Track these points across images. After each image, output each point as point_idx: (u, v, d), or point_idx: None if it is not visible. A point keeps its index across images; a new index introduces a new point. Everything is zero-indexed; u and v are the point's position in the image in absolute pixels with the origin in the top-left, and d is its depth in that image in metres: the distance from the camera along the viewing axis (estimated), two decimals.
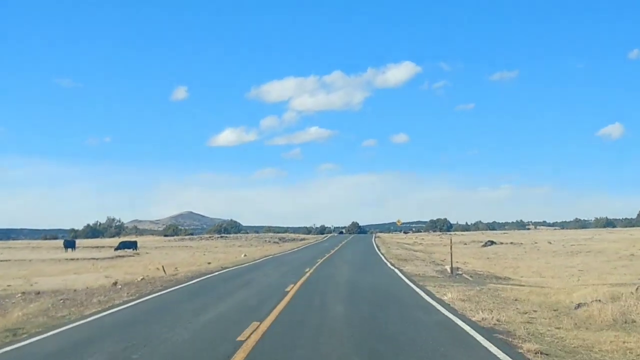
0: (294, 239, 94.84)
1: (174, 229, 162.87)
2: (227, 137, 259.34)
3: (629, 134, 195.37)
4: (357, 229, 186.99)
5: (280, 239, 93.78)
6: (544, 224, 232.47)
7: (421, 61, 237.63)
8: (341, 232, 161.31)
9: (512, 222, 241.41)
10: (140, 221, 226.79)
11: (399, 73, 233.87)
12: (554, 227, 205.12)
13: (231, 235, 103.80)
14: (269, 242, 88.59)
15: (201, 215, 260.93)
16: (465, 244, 71.81)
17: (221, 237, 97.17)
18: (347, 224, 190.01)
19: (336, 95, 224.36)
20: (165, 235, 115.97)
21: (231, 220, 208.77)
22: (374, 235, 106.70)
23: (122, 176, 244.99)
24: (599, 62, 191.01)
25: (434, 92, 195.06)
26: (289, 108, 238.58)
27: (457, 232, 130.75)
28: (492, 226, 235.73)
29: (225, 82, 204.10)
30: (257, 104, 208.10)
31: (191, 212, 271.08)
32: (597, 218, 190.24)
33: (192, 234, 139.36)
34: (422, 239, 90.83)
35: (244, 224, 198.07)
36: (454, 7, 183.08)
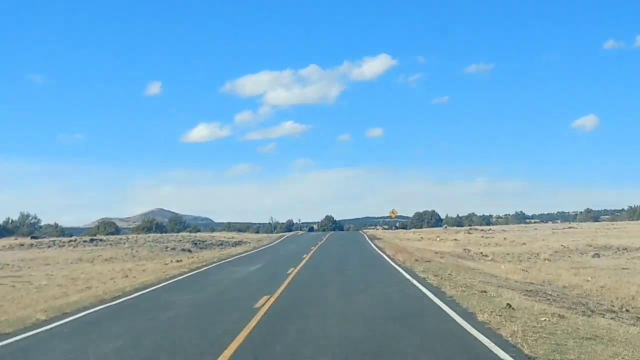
0: (221, 244, 51.63)
1: (98, 227, 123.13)
2: (200, 132, 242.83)
3: (602, 125, 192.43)
4: (332, 224, 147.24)
5: (195, 244, 50.64)
6: (538, 217, 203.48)
7: (398, 54, 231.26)
8: (311, 229, 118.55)
9: (512, 215, 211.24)
10: (111, 219, 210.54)
11: (375, 66, 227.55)
12: (548, 220, 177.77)
13: (109, 239, 59.78)
14: (173, 249, 45.64)
15: (172, 212, 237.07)
16: (576, 250, 30.21)
17: (91, 240, 53.27)
18: (322, 218, 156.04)
19: (311, 89, 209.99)
20: (34, 237, 71.31)
21: (175, 215, 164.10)
22: (364, 235, 63.71)
23: (94, 173, 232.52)
24: (575, 53, 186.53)
25: (410, 85, 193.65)
26: (263, 102, 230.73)
27: (477, 228, 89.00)
28: (488, 220, 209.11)
29: (200, 76, 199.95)
30: (232, 99, 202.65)
31: (162, 209, 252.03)
32: (630, 207, 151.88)
33: (113, 233, 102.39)
34: (455, 241, 48.74)
35: (216, 220, 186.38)
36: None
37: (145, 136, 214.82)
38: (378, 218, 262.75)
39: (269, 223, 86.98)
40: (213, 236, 57.78)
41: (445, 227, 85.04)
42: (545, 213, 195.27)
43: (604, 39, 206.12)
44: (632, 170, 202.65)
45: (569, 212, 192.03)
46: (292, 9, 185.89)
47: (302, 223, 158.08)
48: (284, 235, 65.61)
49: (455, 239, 50.44)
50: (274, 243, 48.21)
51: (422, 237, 53.89)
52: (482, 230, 68.89)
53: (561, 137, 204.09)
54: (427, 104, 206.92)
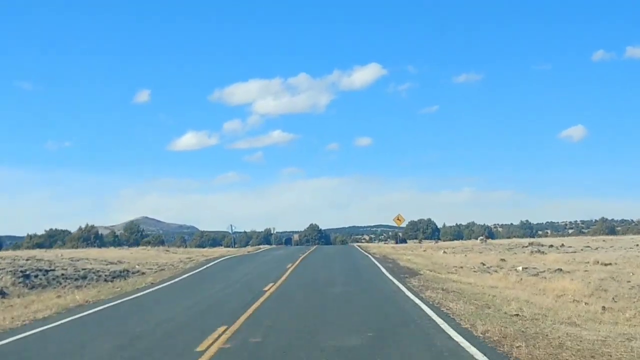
0: (84, 277, 24.92)
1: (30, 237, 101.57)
2: (188, 140, 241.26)
3: (590, 136, 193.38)
4: (317, 234, 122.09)
5: (27, 277, 23.76)
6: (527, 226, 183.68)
7: (388, 63, 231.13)
8: (289, 241, 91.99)
9: (516, 225, 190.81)
10: (94, 227, 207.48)
11: (365, 75, 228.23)
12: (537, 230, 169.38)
13: None
14: None
15: (157, 220, 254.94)
16: None
17: None
18: (305, 227, 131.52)
19: (301, 98, 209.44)
20: None
21: (131, 222, 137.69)
22: (368, 255, 34.97)
23: (82, 181, 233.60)
24: (564, 64, 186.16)
25: (399, 94, 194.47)
26: (252, 111, 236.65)
27: (541, 244, 62.99)
28: (489, 230, 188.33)
29: (189, 84, 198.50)
30: (220, 107, 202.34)
31: (146, 217, 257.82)
32: None
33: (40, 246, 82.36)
34: (577, 273, 22.89)
35: (201, 229, 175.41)
36: (423, 9, 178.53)
37: (133, 144, 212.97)
38: (365, 227, 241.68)
39: (231, 232, 59.57)
40: (74, 261, 30.30)
41: (483, 239, 58.38)
42: (535, 223, 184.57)
43: (594, 49, 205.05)
44: (620, 181, 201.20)
45: (557, 222, 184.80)
46: (282, 17, 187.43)
47: (280, 233, 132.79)
48: (224, 257, 37.13)
49: (571, 271, 24.03)
50: (178, 279, 21.17)
51: (483, 264, 27.08)
52: (550, 246, 42.31)
53: (549, 147, 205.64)
54: (417, 113, 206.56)
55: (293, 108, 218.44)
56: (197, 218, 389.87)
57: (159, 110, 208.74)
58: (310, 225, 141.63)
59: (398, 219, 60.96)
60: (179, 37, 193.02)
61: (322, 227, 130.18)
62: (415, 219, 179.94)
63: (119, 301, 14.87)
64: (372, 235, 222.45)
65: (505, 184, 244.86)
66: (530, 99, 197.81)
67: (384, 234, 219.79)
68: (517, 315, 11.05)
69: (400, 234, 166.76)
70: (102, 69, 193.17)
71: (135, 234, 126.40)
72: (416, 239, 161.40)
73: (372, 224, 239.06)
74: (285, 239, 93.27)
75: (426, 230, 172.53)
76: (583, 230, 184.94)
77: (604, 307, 15.24)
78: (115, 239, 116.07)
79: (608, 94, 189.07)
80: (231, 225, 56.27)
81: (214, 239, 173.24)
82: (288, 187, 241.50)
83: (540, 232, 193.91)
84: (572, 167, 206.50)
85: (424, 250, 43.89)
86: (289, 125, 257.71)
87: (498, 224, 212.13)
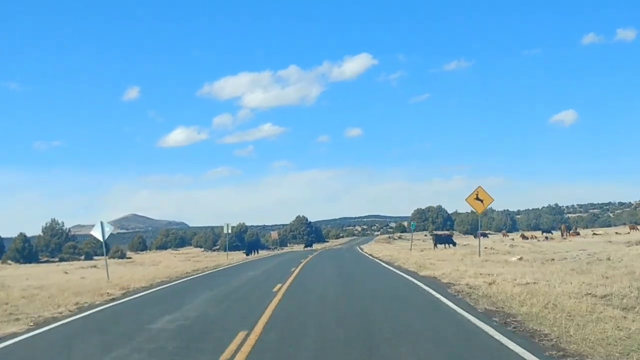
0: None
1: None
2: (178, 136, 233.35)
3: (582, 120, 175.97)
4: (306, 229, 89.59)
5: None
6: (524, 212, 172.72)
7: (378, 53, 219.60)
8: (255, 245, 55.04)
9: (545, 207, 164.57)
10: (83, 226, 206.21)
11: (355, 65, 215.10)
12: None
13: None
14: None
15: (146, 218, 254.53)
16: None
17: None
18: (293, 220, 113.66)
19: (291, 90, 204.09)
20: None
21: (53, 221, 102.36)
22: None
23: (72, 180, 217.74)
24: (554, 48, 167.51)
25: (390, 83, 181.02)
26: (242, 105, 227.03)
27: None
28: (512, 216, 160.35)
29: (179, 79, 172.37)
30: (210, 102, 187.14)
31: (135, 215, 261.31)
32: None
33: None
34: None
35: (190, 225, 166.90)
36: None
37: (123, 142, 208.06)
38: (355, 218, 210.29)
39: (102, 239, 21.04)
40: None
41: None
42: (531, 208, 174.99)
43: (584, 32, 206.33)
44: (612, 165, 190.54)
45: (562, 207, 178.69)
46: (271, 9, 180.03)
47: (270, 226, 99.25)
48: None
49: None
50: None
51: None
52: None
53: (540, 133, 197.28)
54: (407, 102, 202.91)
55: (283, 101, 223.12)
56: (187, 214, 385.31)
57: (149, 106, 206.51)
58: (297, 217, 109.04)
59: (477, 199, 24.60)
60: (168, 33, 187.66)
61: (313, 219, 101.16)
62: (423, 207, 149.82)
63: None
64: (365, 226, 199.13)
65: (496, 171, 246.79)
66: (521, 84, 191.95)
67: (376, 224, 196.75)
68: None
69: (406, 228, 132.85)
70: (90, 67, 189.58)
71: (59, 237, 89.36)
72: (425, 229, 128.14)
73: (363, 215, 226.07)
74: (249, 243, 55.90)
75: (436, 220, 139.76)
76: (598, 215, 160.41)
77: None
78: (24, 246, 78.26)
79: (599, 77, 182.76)
80: (102, 223, 17.87)
81: (181, 238, 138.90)
82: (279, 180, 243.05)
83: (569, 216, 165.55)
84: (565, 151, 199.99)
85: None
86: (279, 118, 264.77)
87: (518, 210, 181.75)
